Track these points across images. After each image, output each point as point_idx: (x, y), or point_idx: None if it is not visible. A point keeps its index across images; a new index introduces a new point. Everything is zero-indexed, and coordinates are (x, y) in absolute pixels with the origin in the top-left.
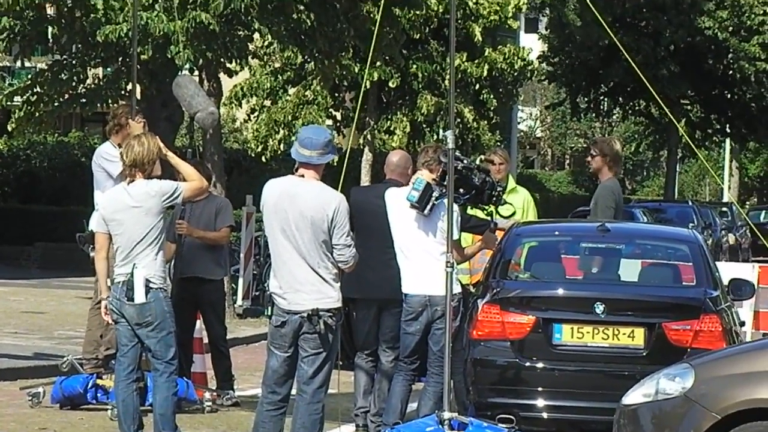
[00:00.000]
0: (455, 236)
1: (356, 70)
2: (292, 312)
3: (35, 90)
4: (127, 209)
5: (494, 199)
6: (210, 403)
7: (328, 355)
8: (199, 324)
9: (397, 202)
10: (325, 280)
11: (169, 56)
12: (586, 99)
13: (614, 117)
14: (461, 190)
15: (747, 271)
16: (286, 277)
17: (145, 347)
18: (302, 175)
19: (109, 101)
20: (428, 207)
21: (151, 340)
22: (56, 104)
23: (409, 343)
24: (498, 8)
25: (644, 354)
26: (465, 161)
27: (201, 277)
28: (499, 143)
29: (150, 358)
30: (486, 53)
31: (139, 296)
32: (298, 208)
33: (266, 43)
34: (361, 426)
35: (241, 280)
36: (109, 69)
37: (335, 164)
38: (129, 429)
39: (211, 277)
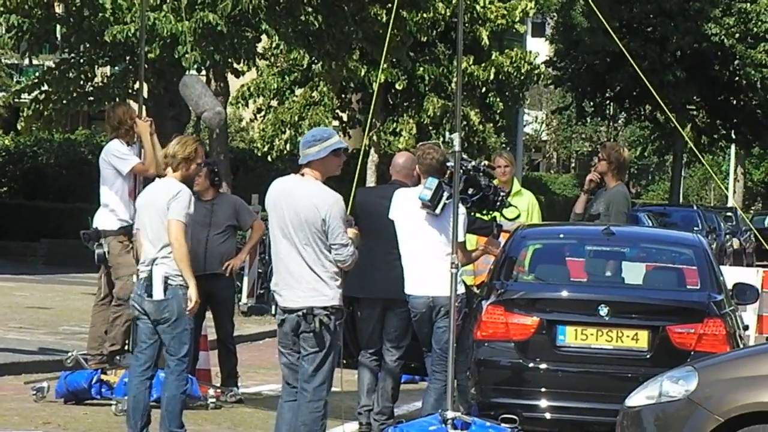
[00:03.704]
0: (461, 238)
1: (363, 72)
2: (289, 309)
3: (43, 88)
4: (146, 205)
5: (498, 204)
6: (214, 400)
7: (327, 354)
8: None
9: (406, 203)
10: (321, 278)
11: (177, 56)
12: (591, 103)
13: (620, 121)
14: (470, 191)
15: (751, 275)
16: (283, 274)
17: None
18: (302, 174)
19: (117, 99)
20: (440, 206)
21: (167, 336)
22: (64, 102)
23: (424, 336)
24: (505, 12)
25: (648, 356)
26: (473, 162)
27: (216, 273)
28: (504, 146)
29: (164, 354)
30: (493, 57)
31: (158, 293)
32: (294, 207)
33: (274, 44)
34: (365, 424)
35: (246, 279)
36: (116, 68)
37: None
38: (136, 425)
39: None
